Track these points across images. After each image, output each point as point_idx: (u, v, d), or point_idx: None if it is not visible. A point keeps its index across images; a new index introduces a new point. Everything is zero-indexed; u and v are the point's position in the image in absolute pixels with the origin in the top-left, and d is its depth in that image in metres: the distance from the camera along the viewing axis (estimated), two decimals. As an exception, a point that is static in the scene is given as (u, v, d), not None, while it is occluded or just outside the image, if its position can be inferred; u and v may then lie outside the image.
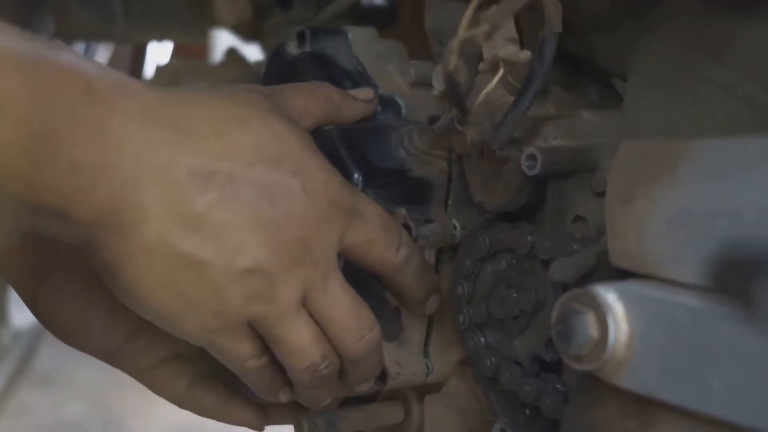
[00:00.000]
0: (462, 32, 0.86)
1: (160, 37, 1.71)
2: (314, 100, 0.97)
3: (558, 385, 0.93)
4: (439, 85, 1.03)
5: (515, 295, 0.95)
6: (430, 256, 1.01)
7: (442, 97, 1.04)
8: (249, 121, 0.86)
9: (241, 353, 0.88)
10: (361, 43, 1.08)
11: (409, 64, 1.08)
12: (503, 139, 0.93)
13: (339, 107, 0.99)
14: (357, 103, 1.01)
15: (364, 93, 1.02)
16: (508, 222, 0.96)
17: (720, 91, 0.89)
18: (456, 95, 0.91)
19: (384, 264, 0.93)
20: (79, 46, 2.07)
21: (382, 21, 1.34)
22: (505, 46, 0.89)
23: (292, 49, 1.07)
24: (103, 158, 0.77)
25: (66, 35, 1.68)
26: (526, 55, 0.90)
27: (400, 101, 1.04)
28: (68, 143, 0.76)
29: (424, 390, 1.07)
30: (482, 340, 0.98)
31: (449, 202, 1.00)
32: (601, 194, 0.85)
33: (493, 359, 0.97)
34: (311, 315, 0.88)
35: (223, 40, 1.91)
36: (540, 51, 0.92)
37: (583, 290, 0.77)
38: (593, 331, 0.77)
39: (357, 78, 1.05)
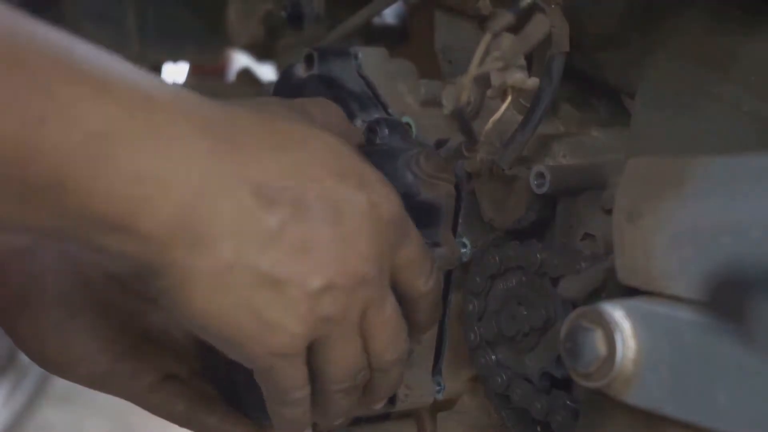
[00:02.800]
0: (474, 69, 0.87)
1: (175, 57, 1.72)
2: (332, 116, 0.97)
3: (568, 402, 0.93)
4: (449, 104, 1.03)
5: (525, 313, 0.95)
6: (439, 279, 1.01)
7: (453, 116, 1.04)
8: (306, 137, 0.84)
9: (294, 381, 0.85)
10: (371, 62, 1.09)
11: (420, 83, 1.09)
12: (512, 158, 0.94)
13: (348, 127, 0.99)
14: (355, 129, 1.01)
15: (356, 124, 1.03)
16: (517, 240, 0.97)
17: (726, 106, 0.89)
18: (465, 126, 0.92)
19: (411, 289, 0.91)
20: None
21: (393, 40, 1.35)
22: (513, 74, 0.90)
23: (301, 71, 1.07)
24: (170, 167, 0.74)
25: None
26: (534, 82, 0.90)
27: (410, 122, 1.05)
28: (130, 149, 0.72)
29: (436, 407, 1.07)
30: (493, 357, 0.99)
31: (459, 220, 1.01)
32: (610, 212, 0.85)
33: (504, 376, 0.98)
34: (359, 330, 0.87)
35: (242, 59, 1.92)
36: (548, 70, 0.93)
37: (590, 308, 0.78)
38: (601, 348, 0.77)
39: (365, 100, 1.05)
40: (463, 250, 1.00)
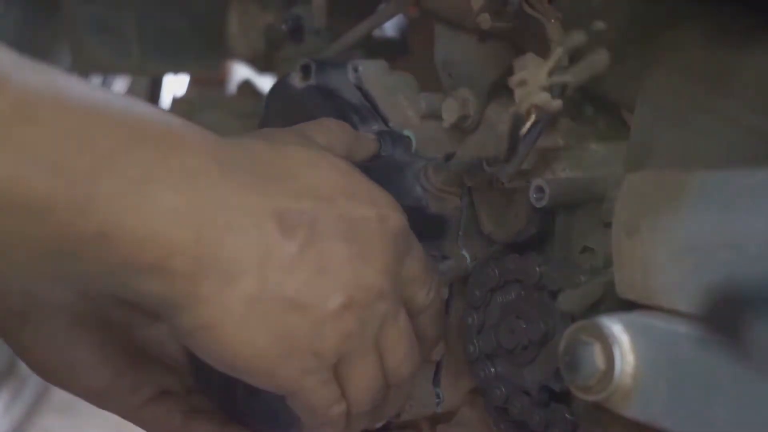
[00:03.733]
0: (543, 79, 0.88)
1: (176, 69, 1.72)
2: (333, 135, 0.97)
3: (567, 415, 0.93)
4: (449, 117, 1.04)
5: (524, 326, 0.95)
6: (444, 292, 1.01)
7: (453, 129, 1.05)
8: (315, 160, 0.86)
9: (329, 397, 0.86)
10: (371, 75, 1.09)
11: (420, 96, 1.09)
12: (512, 171, 0.94)
13: (356, 142, 1.00)
14: (367, 140, 1.02)
15: (368, 134, 1.03)
16: (517, 253, 0.97)
17: (725, 121, 0.89)
18: (513, 141, 0.92)
19: (412, 302, 0.92)
20: (96, 79, 2.09)
21: (394, 53, 1.35)
22: (538, 93, 0.90)
23: (297, 81, 1.07)
24: (201, 206, 0.76)
25: (82, 68, 1.69)
26: (558, 104, 0.90)
27: (410, 135, 1.05)
28: (166, 191, 0.74)
29: (436, 419, 1.08)
30: (492, 370, 0.99)
31: (459, 233, 1.01)
32: (609, 225, 0.86)
33: (503, 389, 0.98)
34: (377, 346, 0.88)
35: (243, 70, 1.92)
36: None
37: (589, 321, 0.78)
38: (600, 362, 0.77)
39: (363, 111, 1.06)
40: (467, 267, 1.00)
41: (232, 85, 2.05)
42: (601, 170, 1.00)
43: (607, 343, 0.77)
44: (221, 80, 2.22)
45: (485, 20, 0.95)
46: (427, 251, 0.96)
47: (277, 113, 1.07)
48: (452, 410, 1.06)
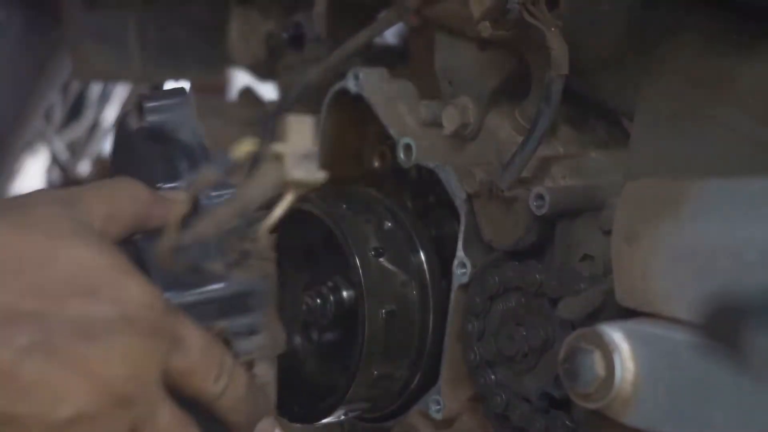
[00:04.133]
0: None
1: (176, 77, 1.72)
2: (118, 203, 0.86)
3: (567, 422, 0.94)
4: (449, 125, 1.04)
5: (524, 333, 0.95)
6: (264, 369, 0.93)
7: (453, 137, 1.05)
8: (53, 251, 0.77)
9: None
10: (371, 83, 1.09)
11: (420, 104, 1.09)
12: (511, 179, 0.94)
13: (148, 208, 0.88)
14: (168, 203, 0.88)
15: (176, 194, 0.89)
16: (517, 260, 0.97)
17: (723, 128, 0.90)
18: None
19: (200, 392, 0.84)
20: (96, 86, 2.09)
21: (394, 61, 1.35)
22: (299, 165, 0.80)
23: (133, 121, 0.96)
24: None
25: (82, 75, 1.69)
26: (321, 176, 0.81)
27: (410, 143, 1.04)
28: None
29: (436, 426, 1.08)
30: (492, 377, 0.99)
31: (459, 240, 1.01)
32: (609, 233, 0.86)
33: (503, 396, 0.98)
34: None
35: (243, 77, 1.92)
36: (546, 92, 0.93)
37: (589, 329, 0.79)
38: (600, 369, 0.78)
39: (197, 155, 0.94)
40: (463, 271, 1.00)
41: (233, 92, 2.05)
42: (600, 178, 1.00)
43: (607, 351, 0.77)
44: (220, 87, 2.22)
45: (485, 28, 0.96)
46: (232, 329, 0.89)
47: (118, 156, 0.98)
48: (452, 417, 1.06)
